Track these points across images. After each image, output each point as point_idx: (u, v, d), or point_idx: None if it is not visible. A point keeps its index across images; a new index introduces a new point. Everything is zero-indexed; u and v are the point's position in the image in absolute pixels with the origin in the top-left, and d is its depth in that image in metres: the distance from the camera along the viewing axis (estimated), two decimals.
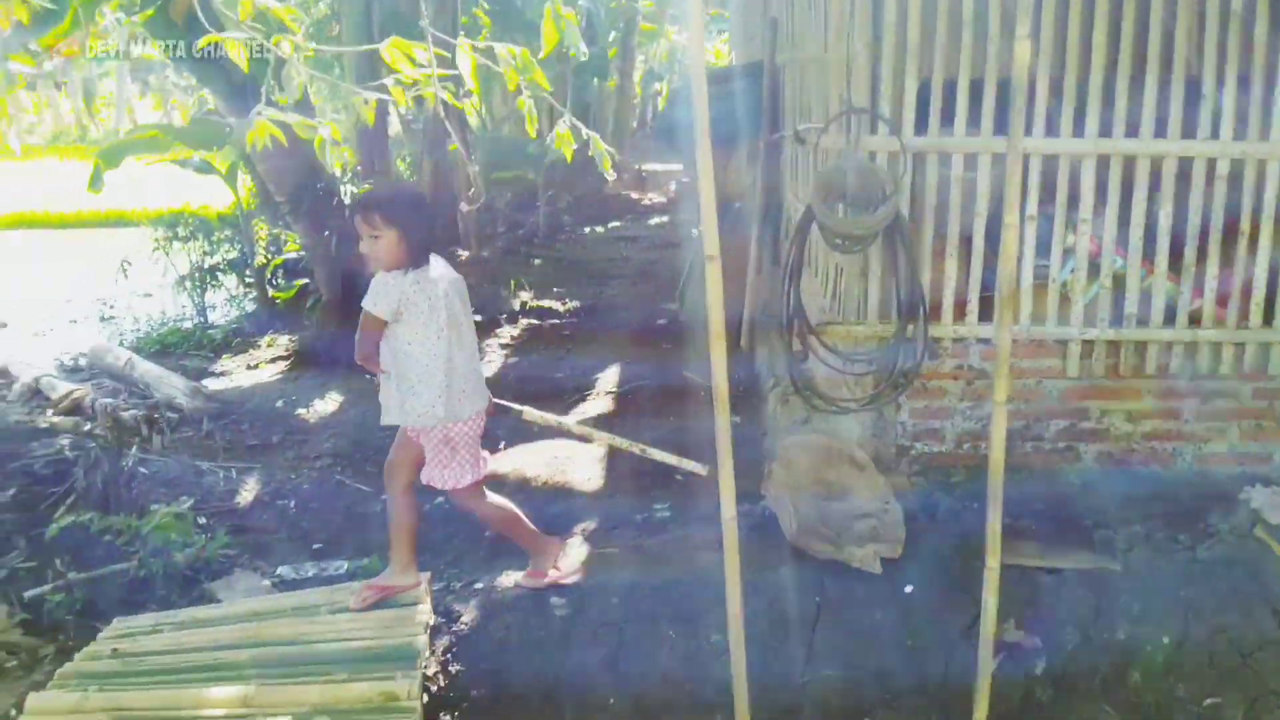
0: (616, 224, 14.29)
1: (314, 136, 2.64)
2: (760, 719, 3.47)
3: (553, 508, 5.14)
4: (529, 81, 2.59)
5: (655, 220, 14.71)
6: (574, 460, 5.71)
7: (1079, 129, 4.10)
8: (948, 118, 4.09)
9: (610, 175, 3.47)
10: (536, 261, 11.20)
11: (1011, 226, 3.02)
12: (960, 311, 4.23)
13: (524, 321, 9.20)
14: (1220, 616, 3.65)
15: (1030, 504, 4.17)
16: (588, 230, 13.72)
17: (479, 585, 4.15)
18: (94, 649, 3.65)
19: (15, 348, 9.37)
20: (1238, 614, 3.66)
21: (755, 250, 6.79)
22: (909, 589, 3.70)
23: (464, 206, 11.08)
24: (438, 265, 3.63)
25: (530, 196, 13.50)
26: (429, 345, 3.58)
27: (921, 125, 4.08)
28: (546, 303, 9.65)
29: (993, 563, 3.28)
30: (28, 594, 4.77)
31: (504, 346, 8.40)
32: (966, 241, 4.19)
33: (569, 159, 3.47)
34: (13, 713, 3.62)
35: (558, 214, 13.22)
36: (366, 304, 3.50)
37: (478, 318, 8.90)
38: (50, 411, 7.11)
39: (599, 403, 6.68)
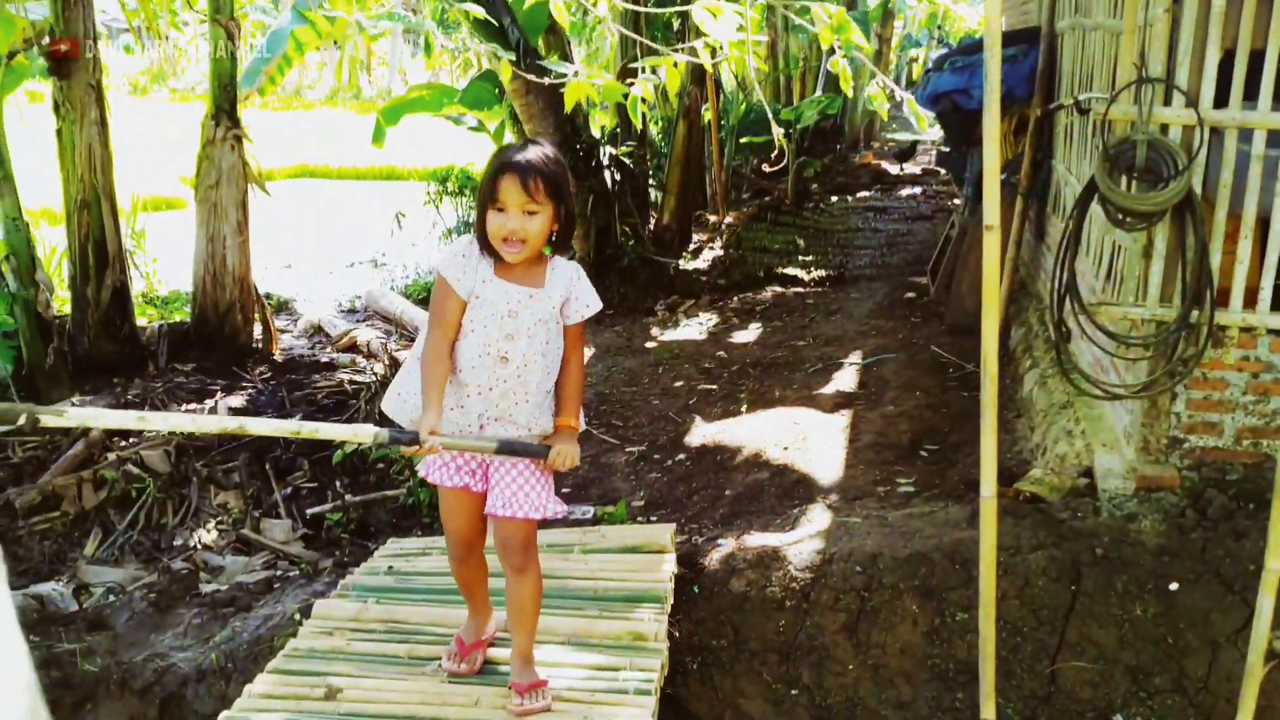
0: (865, 194, 14.04)
1: (619, 99, 2.77)
2: (1005, 703, 3.41)
3: (791, 475, 5.17)
4: (844, 41, 2.59)
5: (906, 191, 14.36)
6: (815, 428, 5.71)
7: None
8: (1251, 91, 3.80)
9: (918, 125, 3.33)
10: (783, 228, 11.16)
11: None
12: (1251, 299, 3.94)
13: (769, 289, 9.22)
14: None
15: None
16: (835, 199, 13.54)
17: (721, 542, 4.24)
18: (371, 565, 3.97)
19: (299, 289, 10.20)
20: None
21: (1018, 224, 6.55)
22: (1174, 586, 3.52)
23: (714, 172, 11.18)
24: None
25: (779, 163, 13.45)
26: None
27: (1221, 99, 3.81)
28: (792, 271, 9.63)
29: (1272, 564, 3.07)
30: (310, 511, 5.23)
31: (747, 313, 8.45)
32: (1263, 224, 3.90)
33: (854, 121, 3.40)
34: (297, 616, 3.98)
35: (806, 182, 13.12)
36: (439, 266, 2.79)
37: (720, 280, 9.08)
38: (331, 348, 7.70)
39: (842, 374, 6.64)
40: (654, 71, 2.74)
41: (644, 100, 2.78)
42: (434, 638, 3.33)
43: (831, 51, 2.74)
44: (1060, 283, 4.04)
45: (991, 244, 2.91)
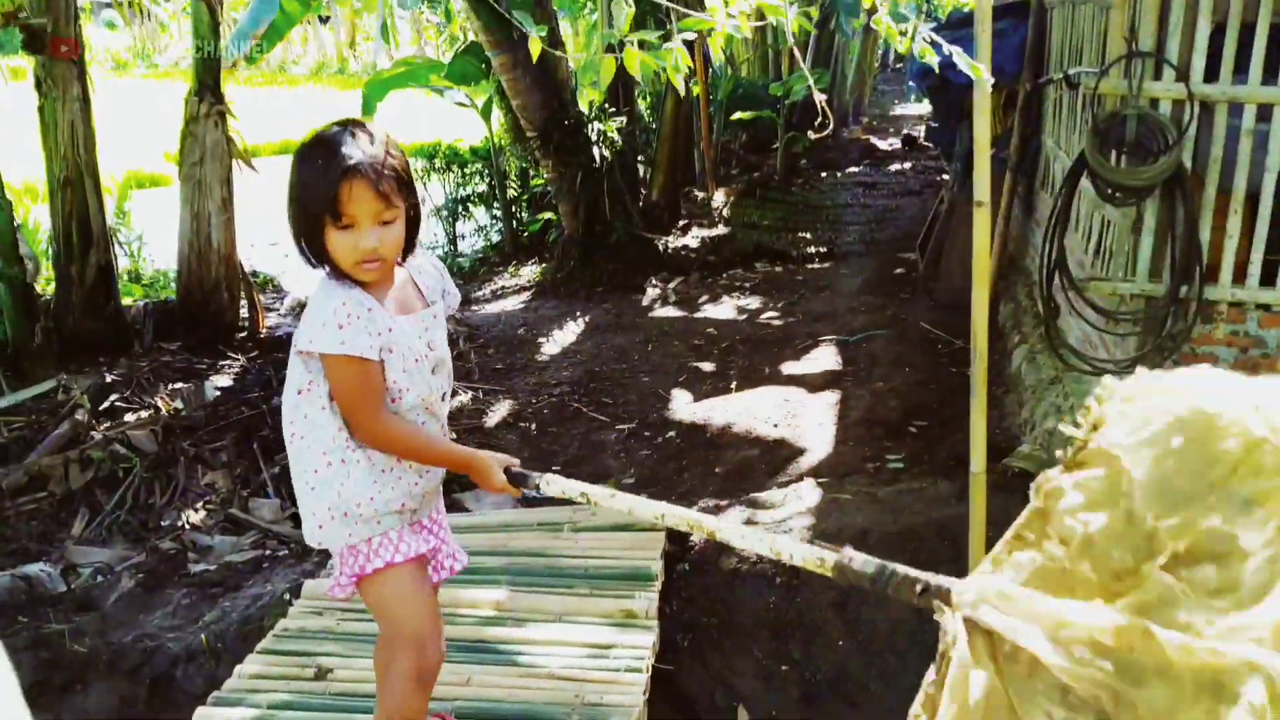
0: (854, 169, 14.01)
1: (657, 67, 2.72)
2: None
3: (781, 451, 5.17)
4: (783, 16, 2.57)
5: (895, 166, 14.33)
6: (805, 405, 5.72)
7: None
8: (1241, 65, 3.79)
9: (830, 127, 3.27)
10: (772, 205, 11.13)
11: None
12: (1240, 274, 3.95)
13: (759, 265, 9.20)
14: None
15: None
16: (825, 175, 13.51)
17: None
18: None
19: (285, 266, 10.13)
20: None
21: (1006, 199, 6.54)
22: None
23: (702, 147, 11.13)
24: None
25: (768, 139, 13.39)
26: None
27: (1211, 72, 3.80)
28: (782, 247, 9.61)
29: None
30: None
31: (737, 290, 8.44)
32: (1252, 199, 3.90)
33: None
34: (287, 595, 3.98)
35: (795, 157, 13.08)
36: (347, 347, 2.08)
37: (710, 257, 9.06)
38: None
39: (831, 351, 6.64)
40: (664, 39, 2.68)
41: (643, 73, 2.72)
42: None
43: (825, 22, 2.69)
44: (1049, 258, 4.04)
45: (982, 220, 2.90)
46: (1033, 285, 5.92)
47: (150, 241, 9.39)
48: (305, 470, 2.21)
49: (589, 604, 3.37)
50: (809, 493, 4.42)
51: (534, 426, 5.79)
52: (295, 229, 2.14)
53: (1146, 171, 3.68)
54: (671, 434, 5.59)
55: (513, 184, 10.17)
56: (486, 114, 9.61)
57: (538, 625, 3.23)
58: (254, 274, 8.46)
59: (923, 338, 6.60)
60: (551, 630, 3.22)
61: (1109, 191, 3.82)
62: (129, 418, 5.63)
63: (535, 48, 2.79)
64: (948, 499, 4.08)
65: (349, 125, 2.13)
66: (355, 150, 2.05)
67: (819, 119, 2.92)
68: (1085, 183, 4.03)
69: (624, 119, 9.41)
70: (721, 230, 9.97)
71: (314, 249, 2.11)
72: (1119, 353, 4.18)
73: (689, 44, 2.91)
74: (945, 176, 9.28)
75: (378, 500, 2.22)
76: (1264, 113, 3.81)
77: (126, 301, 7.32)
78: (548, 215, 9.47)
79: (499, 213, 10.25)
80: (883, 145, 15.93)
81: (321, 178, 2.04)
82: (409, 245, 2.22)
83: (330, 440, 2.18)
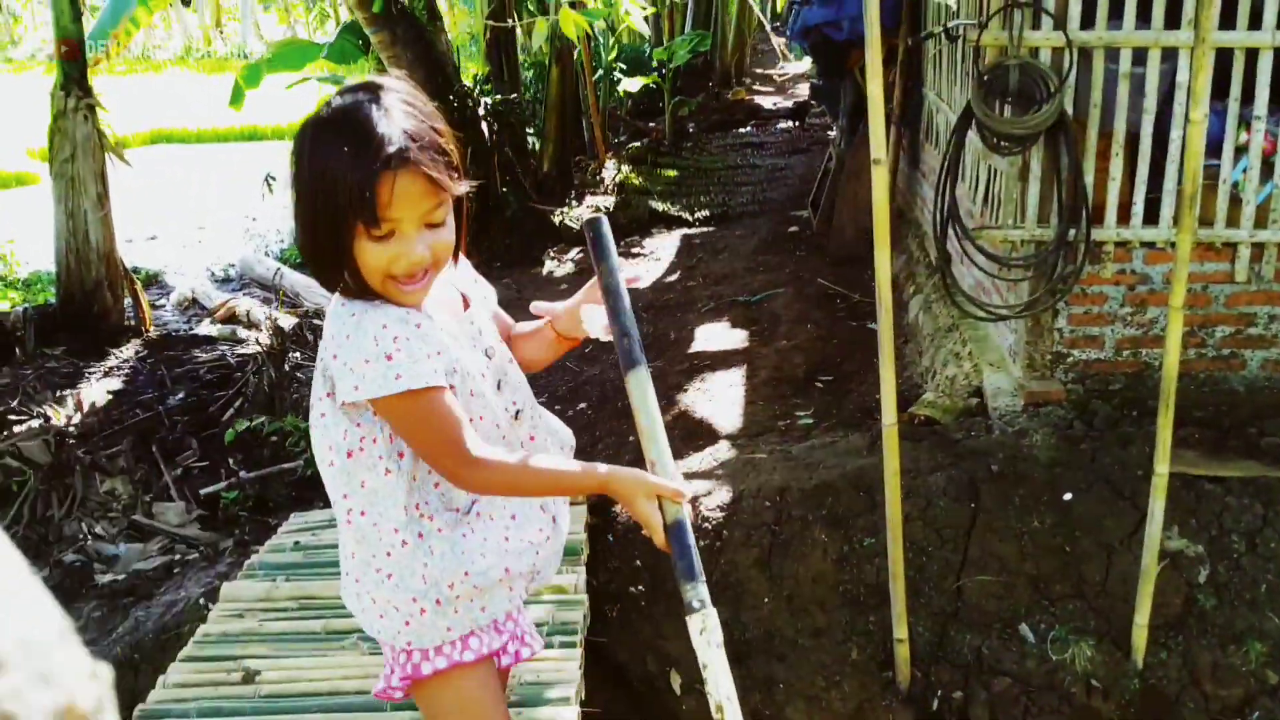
0: (743, 130, 14.10)
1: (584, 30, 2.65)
2: (915, 622, 3.52)
3: (693, 416, 5.21)
4: None
5: (782, 125, 14.46)
6: (712, 368, 5.76)
7: (1255, 22, 3.88)
8: (1115, 11, 3.91)
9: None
10: (663, 170, 11.15)
11: (1196, 122, 2.91)
12: (1124, 214, 4.09)
13: (655, 231, 9.22)
14: None
15: (1193, 412, 4.07)
16: (713, 137, 13.57)
17: None
18: (276, 542, 3.87)
19: (168, 260, 9.81)
20: None
21: (892, 153, 6.66)
22: (1068, 496, 3.67)
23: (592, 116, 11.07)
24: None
25: (654, 104, 13.39)
26: None
27: (1088, 19, 3.91)
28: (676, 211, 9.64)
29: (1161, 469, 3.23)
30: (204, 491, 5.08)
31: (635, 257, 8.44)
32: (1133, 141, 4.04)
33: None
34: (203, 600, 3.88)
35: (682, 121, 13.10)
36: (406, 380, 1.60)
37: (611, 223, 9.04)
38: (208, 320, 7.44)
39: (733, 312, 6.69)
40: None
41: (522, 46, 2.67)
42: (349, 611, 3.27)
43: None
44: (942, 210, 4.13)
45: (880, 177, 2.94)
46: (923, 236, 6.05)
47: (21, 243, 8.98)
48: (375, 555, 1.75)
49: None
50: (724, 454, 4.47)
51: None
52: (308, 238, 1.61)
53: (1031, 120, 3.78)
54: (582, 405, 5.59)
55: None
56: None
57: None
58: (135, 270, 8.17)
59: (821, 294, 6.70)
60: None
61: (995, 141, 3.91)
62: (17, 429, 5.40)
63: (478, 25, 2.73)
64: (859, 450, 4.16)
65: (373, 91, 1.57)
66: (394, 129, 1.51)
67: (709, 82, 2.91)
68: (972, 134, 4.12)
69: (509, 90, 9.30)
70: (615, 198, 9.96)
71: (333, 262, 1.59)
72: (1012, 298, 4.30)
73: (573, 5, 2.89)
74: (832, 133, 9.39)
75: (484, 566, 1.76)
76: (1139, 56, 3.93)
77: (3, 307, 7.01)
78: None
79: None
80: (767, 105, 16.04)
81: (350, 171, 1.50)
82: (458, 245, 1.71)
83: (401, 512, 1.71)
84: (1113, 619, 3.45)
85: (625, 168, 10.99)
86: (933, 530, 3.69)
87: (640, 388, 1.71)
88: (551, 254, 8.54)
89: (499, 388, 1.81)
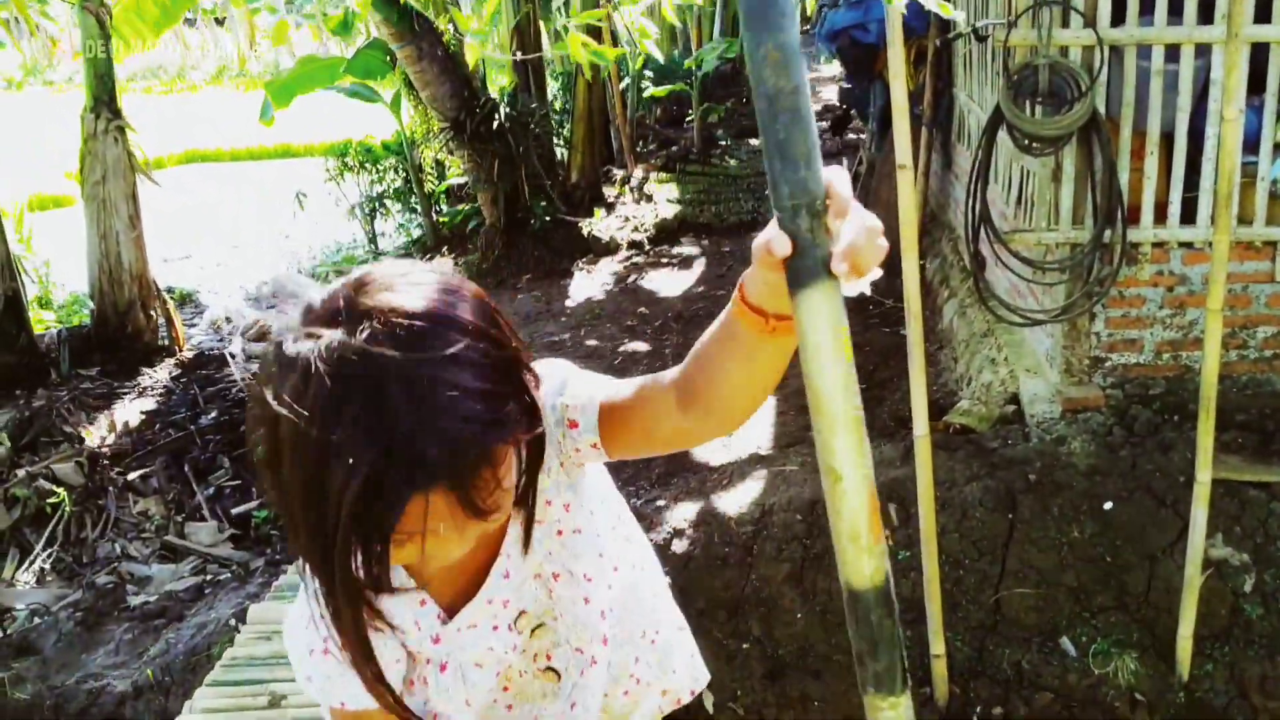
0: None
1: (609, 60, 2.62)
2: (953, 636, 3.44)
3: None
4: None
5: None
6: None
7: None
8: (1146, 7, 3.82)
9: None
10: (692, 177, 11.10)
11: (1230, 120, 2.82)
12: (1161, 214, 3.99)
13: (684, 239, 9.17)
14: None
15: (1235, 416, 3.96)
16: (741, 144, 13.49)
17: (660, 503, 4.20)
18: None
19: (202, 280, 9.89)
20: None
21: (924, 155, 6.57)
22: (1108, 505, 3.57)
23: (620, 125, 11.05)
24: None
25: (683, 112, 13.34)
26: None
27: (1119, 16, 3.83)
28: (705, 219, 9.58)
29: (1203, 476, 3.13)
30: (235, 511, 5.08)
31: (665, 266, 8.39)
32: (1168, 139, 3.94)
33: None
34: (233, 621, 3.87)
35: (711, 128, 13.03)
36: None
37: (635, 235, 9.02)
38: (242, 338, 7.46)
39: None
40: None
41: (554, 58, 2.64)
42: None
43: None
44: (974, 213, 4.05)
45: (906, 182, 2.88)
46: (956, 239, 5.95)
47: (58, 265, 9.08)
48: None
49: None
50: (754, 467, 4.41)
51: None
52: (302, 546, 1.06)
53: (1062, 120, 3.69)
54: None
55: (429, 177, 10.00)
56: (396, 107, 9.42)
57: None
58: (169, 290, 8.23)
59: (853, 301, 6.60)
60: None
61: (1026, 142, 3.82)
62: (52, 451, 5.43)
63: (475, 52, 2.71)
64: (892, 461, 4.08)
65: (362, 308, 1.01)
66: (418, 421, 0.95)
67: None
68: (1003, 135, 4.03)
69: (536, 101, 9.30)
70: (645, 208, 9.92)
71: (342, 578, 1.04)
72: (1048, 301, 4.21)
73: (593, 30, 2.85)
74: (862, 136, 9.31)
75: None
76: (1172, 53, 3.84)
77: (39, 329, 7.08)
78: (467, 206, 9.34)
79: (418, 207, 10.08)
80: None
81: (345, 485, 0.95)
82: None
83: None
84: (1156, 631, 3.35)
85: (654, 176, 10.95)
86: (969, 542, 3.60)
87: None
88: (581, 265, 8.51)
89: (532, 633, 1.33)
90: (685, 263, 8.44)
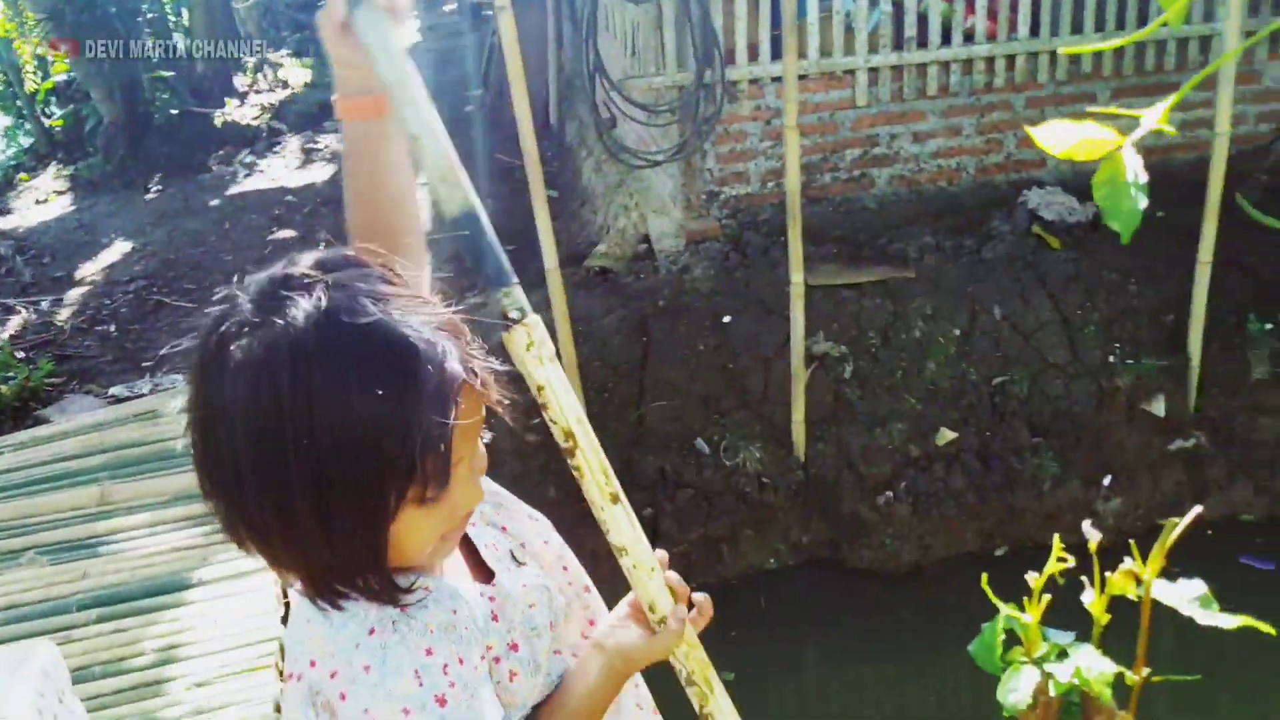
0: None
1: None
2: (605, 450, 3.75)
3: None
4: None
5: (448, 7, 14.15)
6: None
7: None
8: None
9: None
10: (325, 59, 10.71)
11: None
12: (753, 53, 4.35)
13: (327, 124, 8.91)
14: (1004, 306, 4.05)
15: (830, 230, 4.46)
16: None
17: None
18: None
19: None
20: (1019, 302, 4.07)
21: (554, 22, 6.73)
22: (727, 319, 3.97)
23: None
24: None
25: None
26: None
27: None
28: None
29: (796, 278, 3.55)
30: None
31: (309, 153, 8.16)
32: None
33: None
34: None
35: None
36: None
37: (272, 124, 8.65)
38: None
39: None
40: None
41: None
42: (20, 530, 3.12)
43: None
44: (588, 63, 4.25)
45: (506, 26, 3.01)
46: (592, 104, 6.19)
47: None
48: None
49: None
50: None
51: (114, 328, 5.42)
52: (318, 536, 0.91)
53: None
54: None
55: (31, 76, 9.09)
56: None
57: (151, 510, 3.14)
58: None
59: (497, 169, 6.75)
60: (171, 511, 3.15)
61: None
62: None
63: None
64: (539, 307, 4.30)
65: (358, 268, 0.97)
66: (441, 342, 0.93)
67: None
68: None
69: None
70: (282, 94, 9.52)
71: (364, 559, 0.95)
72: (666, 143, 4.52)
73: None
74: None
75: None
76: None
77: None
78: (82, 106, 8.60)
79: (25, 111, 9.16)
80: None
81: (397, 418, 0.89)
82: None
83: None
84: (775, 422, 3.81)
85: (290, 61, 10.49)
86: (610, 367, 3.91)
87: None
88: (218, 158, 8.11)
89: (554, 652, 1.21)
90: (330, 149, 8.23)
